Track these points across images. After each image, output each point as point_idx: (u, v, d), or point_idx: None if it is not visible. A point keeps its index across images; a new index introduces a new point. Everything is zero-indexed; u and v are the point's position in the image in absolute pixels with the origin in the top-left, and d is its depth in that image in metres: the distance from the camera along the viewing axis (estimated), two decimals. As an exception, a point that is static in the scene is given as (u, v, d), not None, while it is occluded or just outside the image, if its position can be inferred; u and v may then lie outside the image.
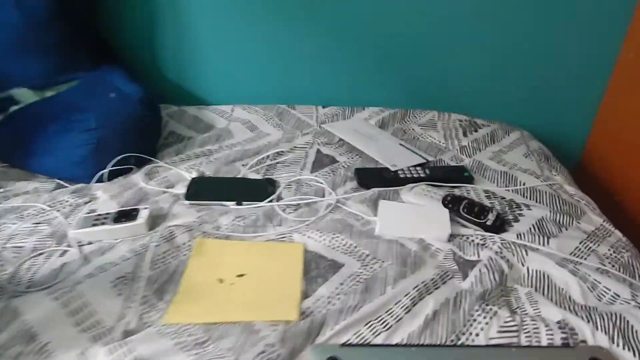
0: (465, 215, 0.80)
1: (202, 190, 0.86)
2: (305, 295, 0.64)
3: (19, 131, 0.92)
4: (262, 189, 0.87)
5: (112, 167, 0.88)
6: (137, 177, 0.89)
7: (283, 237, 0.76)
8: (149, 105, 1.02)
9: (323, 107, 1.21)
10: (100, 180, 0.88)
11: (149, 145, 0.99)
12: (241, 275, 0.68)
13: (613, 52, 1.17)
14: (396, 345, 0.57)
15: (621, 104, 1.18)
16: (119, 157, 0.89)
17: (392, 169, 0.94)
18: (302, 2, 1.14)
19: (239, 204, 0.83)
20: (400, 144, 1.05)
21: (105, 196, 0.84)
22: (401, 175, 0.92)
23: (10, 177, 0.89)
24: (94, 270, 0.66)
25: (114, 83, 1.02)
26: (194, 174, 0.91)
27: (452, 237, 0.76)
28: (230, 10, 1.15)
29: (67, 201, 0.82)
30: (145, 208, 0.77)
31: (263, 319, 0.59)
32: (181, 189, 0.86)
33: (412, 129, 1.14)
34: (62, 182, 0.88)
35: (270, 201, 0.84)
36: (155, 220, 0.77)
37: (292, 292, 0.64)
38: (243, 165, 0.96)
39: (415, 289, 0.64)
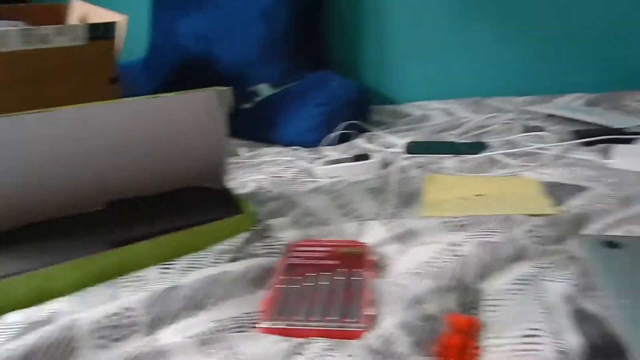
0: None
1: (420, 149, 0.94)
2: (556, 204, 0.64)
3: (263, 113, 1.14)
4: (476, 148, 0.91)
5: (337, 133, 1.02)
6: (359, 142, 1.01)
7: (511, 175, 0.77)
8: (362, 92, 1.18)
9: (518, 97, 1.22)
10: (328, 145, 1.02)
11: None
12: (480, 195, 0.71)
13: None
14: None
15: None
16: (345, 124, 1.03)
17: (617, 126, 0.89)
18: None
19: (456, 155, 0.88)
20: (621, 113, 1.00)
21: (335, 153, 0.97)
22: (628, 132, 0.87)
23: (258, 145, 1.09)
24: (346, 185, 0.76)
25: (332, 78, 1.21)
26: (408, 139, 1.00)
27: None
28: (426, 14, 1.28)
29: (305, 157, 0.97)
30: (375, 153, 0.87)
31: (520, 212, 0.60)
32: (399, 149, 0.95)
33: (629, 105, 1.07)
34: (297, 148, 1.04)
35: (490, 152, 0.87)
36: (384, 165, 0.86)
37: (541, 202, 0.65)
38: (451, 134, 1.02)
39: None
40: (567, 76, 1.23)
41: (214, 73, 1.24)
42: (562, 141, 0.90)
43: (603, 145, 0.84)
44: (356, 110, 1.11)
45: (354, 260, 0.53)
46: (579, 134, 0.90)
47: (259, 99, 1.20)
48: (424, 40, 1.31)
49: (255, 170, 0.92)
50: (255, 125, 1.15)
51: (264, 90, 1.23)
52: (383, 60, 1.37)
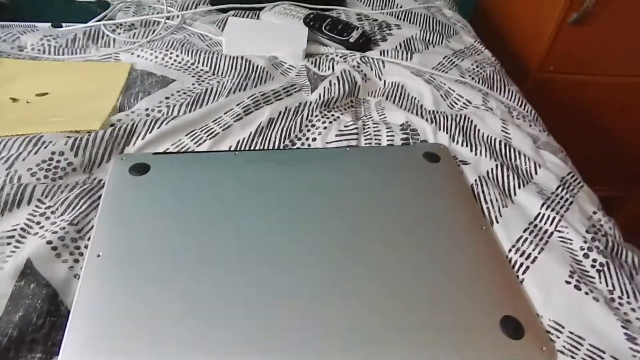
0: (327, 32, 0.71)
1: (4, 14, 0.69)
2: (119, 109, 0.54)
3: None
4: (88, 10, 0.71)
5: None
6: None
7: (108, 58, 0.63)
8: None
9: None
10: None
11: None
12: (43, 94, 0.56)
13: None
14: (217, 151, 0.50)
15: None
16: None
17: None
18: None
19: (55, 25, 0.68)
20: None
21: None
22: (264, -5, 0.79)
23: None
24: None
25: None
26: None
27: (310, 57, 0.68)
28: None
29: None
30: None
31: (54, 130, 0.49)
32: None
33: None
34: None
35: (99, 21, 0.69)
36: None
37: (103, 107, 0.54)
38: (70, -13, 0.78)
39: (251, 99, 0.56)
40: None
41: None
42: (197, 4, 0.78)
43: (235, 11, 0.76)
44: None
45: None
46: (212, -3, 0.78)
47: None
48: None
49: None
50: None
51: None
52: None
